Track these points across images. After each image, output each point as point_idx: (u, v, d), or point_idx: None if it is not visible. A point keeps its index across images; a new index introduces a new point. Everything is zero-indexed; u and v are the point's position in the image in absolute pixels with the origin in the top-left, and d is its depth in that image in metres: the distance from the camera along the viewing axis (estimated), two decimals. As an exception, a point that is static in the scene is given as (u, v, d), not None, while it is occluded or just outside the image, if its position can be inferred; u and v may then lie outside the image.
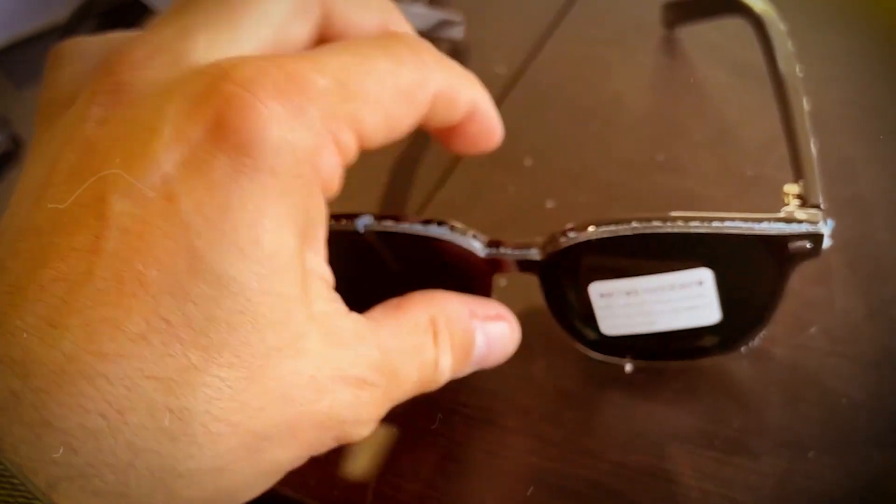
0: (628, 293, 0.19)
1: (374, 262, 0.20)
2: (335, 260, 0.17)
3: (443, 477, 0.21)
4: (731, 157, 0.28)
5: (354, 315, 0.16)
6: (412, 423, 0.18)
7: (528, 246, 0.19)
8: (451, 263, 0.20)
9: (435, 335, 0.18)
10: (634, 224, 0.18)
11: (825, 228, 0.18)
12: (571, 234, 0.19)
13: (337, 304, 0.16)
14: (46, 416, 0.12)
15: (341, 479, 0.21)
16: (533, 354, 0.22)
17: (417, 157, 0.31)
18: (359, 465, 0.21)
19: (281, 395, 0.14)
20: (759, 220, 0.18)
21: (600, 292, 0.20)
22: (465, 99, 0.17)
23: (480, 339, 0.19)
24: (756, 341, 0.21)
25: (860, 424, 0.20)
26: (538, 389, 0.22)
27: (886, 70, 0.30)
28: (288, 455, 0.15)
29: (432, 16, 0.34)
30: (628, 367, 0.22)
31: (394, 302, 0.18)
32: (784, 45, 0.23)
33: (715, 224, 0.18)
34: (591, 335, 0.21)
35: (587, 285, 0.20)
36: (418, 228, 0.19)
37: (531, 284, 0.20)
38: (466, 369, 0.19)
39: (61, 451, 0.12)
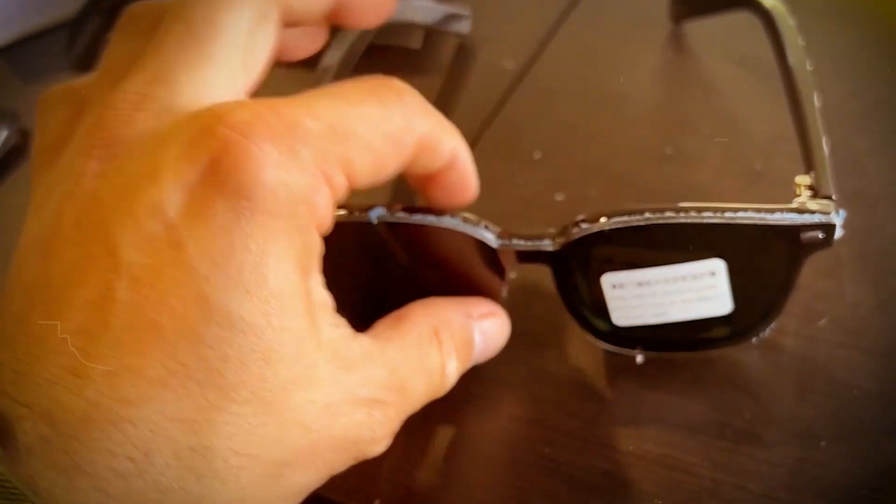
0: (640, 284, 0.19)
1: (387, 254, 0.20)
2: (348, 251, 0.17)
3: (455, 467, 0.21)
4: (740, 151, 0.28)
5: (360, 336, 0.17)
6: (424, 414, 0.18)
7: (540, 237, 0.20)
8: (463, 254, 0.20)
9: (439, 344, 0.18)
10: (647, 214, 0.18)
11: (837, 219, 0.18)
12: (584, 225, 0.19)
13: (342, 328, 0.16)
14: (77, 460, 0.12)
15: (354, 468, 0.21)
16: (544, 346, 0.23)
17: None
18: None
19: (297, 424, 0.14)
20: (772, 211, 0.18)
21: (612, 283, 0.20)
22: (446, 147, 0.18)
23: (478, 337, 0.20)
24: (767, 332, 0.21)
25: (871, 414, 0.20)
26: (549, 380, 0.22)
27: (892, 64, 0.30)
28: (308, 478, 0.15)
29: (439, 10, 0.34)
30: (639, 359, 0.22)
31: (394, 316, 0.19)
32: (794, 40, 0.23)
33: (728, 215, 0.18)
34: (602, 326, 0.21)
35: (599, 276, 0.20)
36: (431, 219, 0.19)
37: (542, 276, 0.20)
38: (467, 368, 0.20)
39: (93, 494, 0.12)
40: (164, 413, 0.13)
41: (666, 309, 0.20)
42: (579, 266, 0.20)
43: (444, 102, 0.32)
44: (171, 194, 0.14)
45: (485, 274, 0.20)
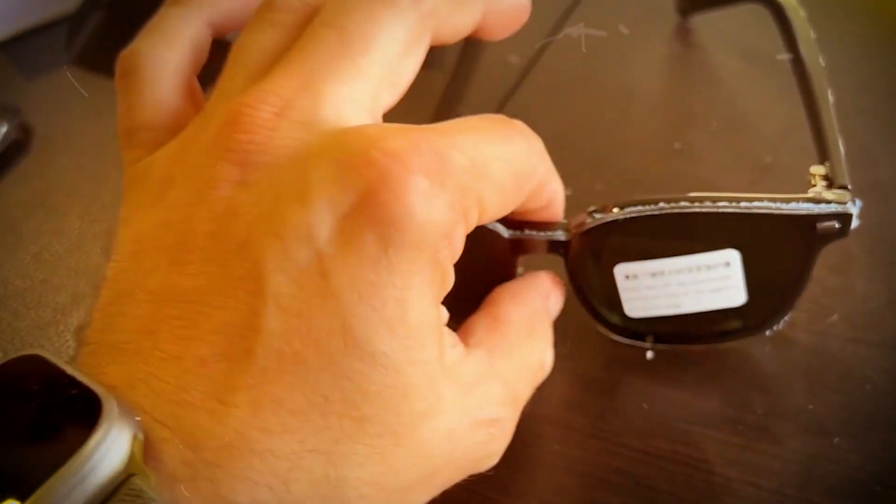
0: (654, 274, 0.19)
1: None
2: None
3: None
4: (748, 145, 0.28)
5: (471, 352, 0.16)
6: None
7: (553, 227, 0.19)
8: (474, 245, 0.20)
9: (537, 339, 0.18)
10: (662, 204, 0.18)
11: (854, 208, 0.18)
12: (598, 215, 0.19)
13: (457, 346, 0.16)
14: (220, 489, 0.12)
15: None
16: (555, 341, 0.22)
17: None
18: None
19: (422, 453, 0.15)
20: (788, 201, 0.18)
21: (626, 273, 0.19)
22: (549, 189, 0.18)
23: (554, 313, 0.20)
24: (781, 325, 0.21)
25: (883, 410, 0.20)
26: (560, 376, 0.22)
27: (901, 57, 0.30)
28: (425, 497, 0.16)
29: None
30: (650, 354, 0.22)
31: (488, 315, 0.18)
32: (806, 30, 0.23)
33: (743, 204, 0.18)
34: (615, 318, 0.21)
35: (613, 267, 0.19)
36: None
37: (552, 268, 0.20)
38: None
39: None
40: (303, 444, 0.13)
41: (679, 300, 0.20)
42: (592, 256, 0.20)
43: (449, 97, 0.32)
44: (321, 219, 0.13)
45: (495, 267, 0.20)
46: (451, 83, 0.32)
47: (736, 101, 0.30)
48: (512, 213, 0.18)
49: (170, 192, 0.15)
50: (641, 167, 0.28)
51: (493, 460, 0.17)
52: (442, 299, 0.15)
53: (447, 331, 0.16)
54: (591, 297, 0.21)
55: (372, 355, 0.13)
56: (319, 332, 0.13)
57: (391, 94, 0.16)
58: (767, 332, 0.21)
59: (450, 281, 0.15)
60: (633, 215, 0.18)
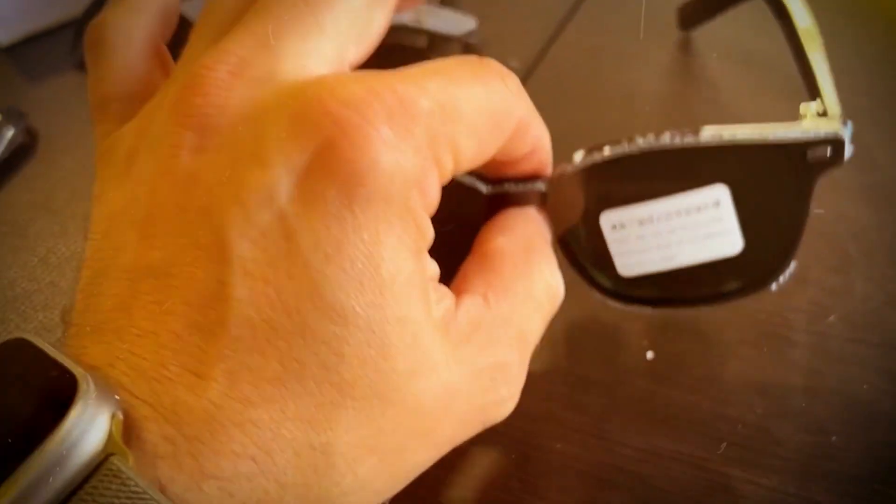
0: (642, 222, 0.18)
1: None
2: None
3: (466, 463, 0.21)
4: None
5: (463, 300, 0.16)
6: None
7: (533, 179, 0.18)
8: (455, 207, 0.18)
9: (537, 265, 0.17)
10: (640, 141, 0.17)
11: (846, 131, 0.17)
12: (577, 159, 0.18)
13: (447, 299, 0.15)
14: (203, 463, 0.12)
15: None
16: (554, 340, 0.23)
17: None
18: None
19: (416, 412, 0.14)
20: (775, 128, 0.17)
21: (612, 223, 0.19)
22: (533, 134, 0.17)
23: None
24: (786, 277, 0.19)
25: (882, 409, 0.20)
26: (560, 376, 0.22)
27: (899, 59, 0.30)
28: (425, 457, 0.15)
29: (450, 21, 0.34)
30: (650, 354, 0.22)
31: (477, 254, 0.17)
32: (803, 10, 0.22)
33: (727, 135, 0.17)
34: (607, 279, 0.20)
35: (598, 216, 0.18)
36: None
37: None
38: None
39: (219, 497, 0.12)
40: (284, 412, 0.12)
41: (673, 251, 0.19)
42: (576, 206, 0.18)
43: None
44: (280, 179, 0.13)
45: (477, 224, 0.19)
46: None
47: (734, 104, 0.30)
48: (497, 166, 0.17)
49: (135, 164, 0.14)
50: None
51: (507, 407, 0.16)
52: (424, 251, 0.14)
53: (434, 284, 0.15)
54: (579, 254, 0.20)
55: (344, 316, 0.13)
56: (288, 296, 0.12)
57: (359, 48, 0.15)
58: (773, 287, 0.19)
59: (428, 233, 0.14)
60: (613, 156, 0.17)
